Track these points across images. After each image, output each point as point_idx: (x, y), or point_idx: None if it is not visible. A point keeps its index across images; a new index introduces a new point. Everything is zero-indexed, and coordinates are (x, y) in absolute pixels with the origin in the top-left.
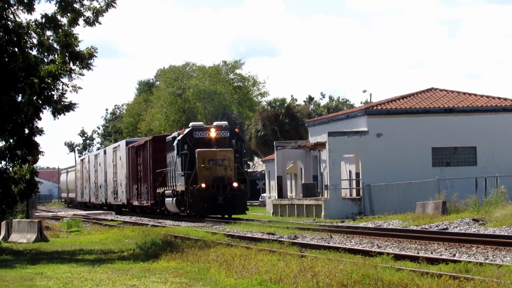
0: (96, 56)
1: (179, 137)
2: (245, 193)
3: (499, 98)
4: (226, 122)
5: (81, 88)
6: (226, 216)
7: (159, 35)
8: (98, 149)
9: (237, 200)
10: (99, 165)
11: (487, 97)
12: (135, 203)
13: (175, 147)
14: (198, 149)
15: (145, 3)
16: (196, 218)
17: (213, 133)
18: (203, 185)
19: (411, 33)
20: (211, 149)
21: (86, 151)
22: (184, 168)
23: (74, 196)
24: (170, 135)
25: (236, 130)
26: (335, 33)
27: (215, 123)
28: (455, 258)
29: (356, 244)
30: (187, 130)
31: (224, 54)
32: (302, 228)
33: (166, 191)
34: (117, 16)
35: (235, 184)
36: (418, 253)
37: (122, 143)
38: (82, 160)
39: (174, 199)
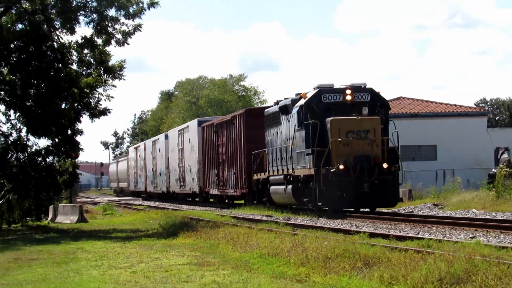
0: (125, 67)
1: (302, 103)
2: (398, 177)
3: (455, 105)
4: (365, 82)
5: (113, 97)
6: (368, 209)
7: (179, 53)
8: (128, 147)
9: (388, 187)
10: (158, 151)
11: (446, 104)
12: (213, 191)
13: (294, 117)
14: (332, 118)
15: (170, 26)
16: (330, 214)
17: (348, 96)
18: (341, 167)
19: (387, 51)
20: (350, 117)
21: (118, 148)
22: (311, 144)
23: (126, 185)
24: (274, 106)
25: (378, 92)
26: (324, 50)
27: (351, 83)
28: (419, 236)
29: (338, 224)
30: (312, 92)
31: (233, 68)
32: (295, 212)
33: (271, 177)
34: (144, 36)
35: (385, 165)
36: (388, 232)
37: (192, 123)
38: (135, 148)
39: (290, 187)
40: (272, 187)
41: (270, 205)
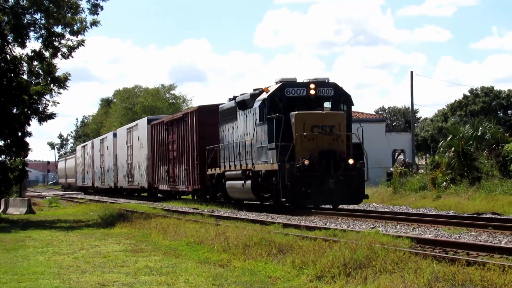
0: (70, 79)
1: (265, 96)
2: (363, 174)
3: (358, 112)
4: (328, 77)
5: (59, 103)
6: (331, 206)
7: (118, 65)
8: (72, 147)
9: (354, 183)
10: (106, 149)
11: (354, 111)
12: (163, 187)
13: (255, 111)
14: (296, 112)
15: (110, 42)
16: (291, 210)
17: (312, 91)
18: (306, 162)
19: (300, 65)
20: (315, 111)
21: (63, 149)
22: (275, 139)
23: (74, 181)
24: (229, 101)
25: (341, 87)
26: (245, 64)
27: (314, 77)
28: (326, 226)
29: (256, 216)
30: (275, 86)
31: (165, 78)
32: (218, 205)
33: (227, 173)
34: (88, 50)
35: (350, 161)
36: (300, 223)
37: (141, 122)
38: (83, 146)
39: (249, 182)
40: (228, 183)
41: (225, 200)
